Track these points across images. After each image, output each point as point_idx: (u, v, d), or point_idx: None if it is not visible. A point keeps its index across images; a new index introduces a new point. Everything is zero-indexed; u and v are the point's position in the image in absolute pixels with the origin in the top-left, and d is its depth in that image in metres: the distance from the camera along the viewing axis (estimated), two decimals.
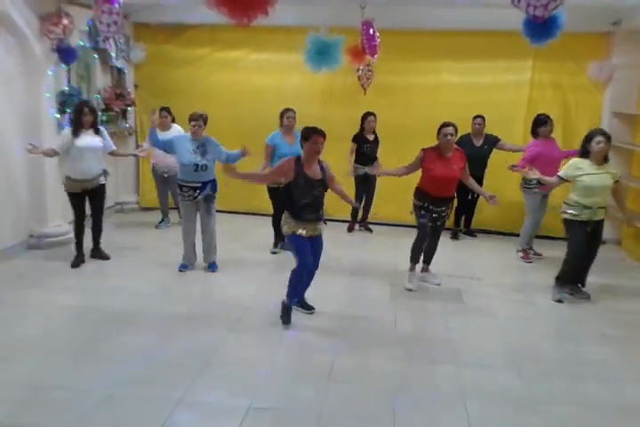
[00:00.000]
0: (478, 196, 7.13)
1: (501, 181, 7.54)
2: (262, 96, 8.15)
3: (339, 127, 7.26)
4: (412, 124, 7.80)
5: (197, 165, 5.71)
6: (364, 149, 7.55)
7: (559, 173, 5.46)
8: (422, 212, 5.59)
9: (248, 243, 7.09)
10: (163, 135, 7.52)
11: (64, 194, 6.14)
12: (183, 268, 6.02)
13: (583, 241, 5.35)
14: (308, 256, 4.69)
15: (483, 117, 7.37)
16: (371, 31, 6.15)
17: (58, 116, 6.67)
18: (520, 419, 3.53)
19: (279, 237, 6.65)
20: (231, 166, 4.97)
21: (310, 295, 5.11)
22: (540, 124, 6.67)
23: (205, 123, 5.83)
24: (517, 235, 7.18)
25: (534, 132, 6.74)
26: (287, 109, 6.61)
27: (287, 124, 6.56)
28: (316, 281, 4.97)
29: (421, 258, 5.90)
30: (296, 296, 4.90)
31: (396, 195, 7.73)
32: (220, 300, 5.30)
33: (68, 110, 6.79)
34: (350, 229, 7.96)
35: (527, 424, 3.49)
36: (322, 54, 5.84)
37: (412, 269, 5.81)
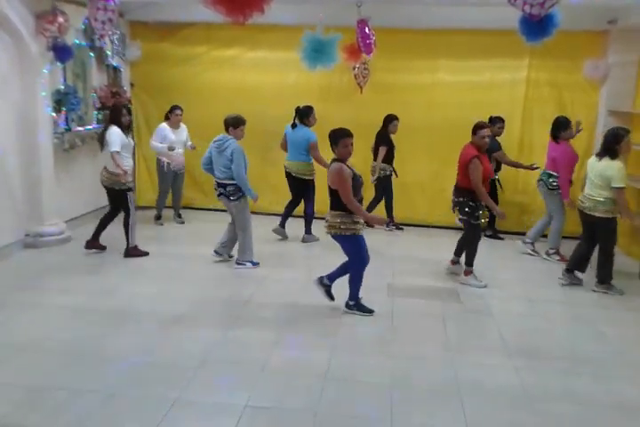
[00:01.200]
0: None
1: (503, 181, 7.57)
2: (259, 94, 8.16)
3: (335, 125, 7.21)
4: (408, 122, 7.80)
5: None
6: (394, 151, 7.63)
7: (621, 186, 5.35)
8: (479, 212, 5.62)
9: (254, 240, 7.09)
10: (176, 133, 7.62)
11: (60, 193, 6.15)
12: (256, 264, 6.15)
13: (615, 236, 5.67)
14: (367, 253, 4.86)
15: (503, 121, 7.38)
16: (366, 30, 6.15)
17: (53, 114, 6.65)
18: (517, 417, 3.54)
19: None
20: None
21: (306, 293, 5.12)
22: (564, 127, 6.57)
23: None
24: (516, 233, 7.19)
25: (556, 135, 6.62)
26: (310, 107, 6.97)
27: (313, 122, 6.96)
28: (311, 278, 4.99)
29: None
30: (358, 292, 4.98)
31: (397, 195, 7.77)
32: (219, 298, 5.30)
33: (64, 109, 6.79)
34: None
35: (524, 422, 3.49)
36: (318, 52, 5.86)
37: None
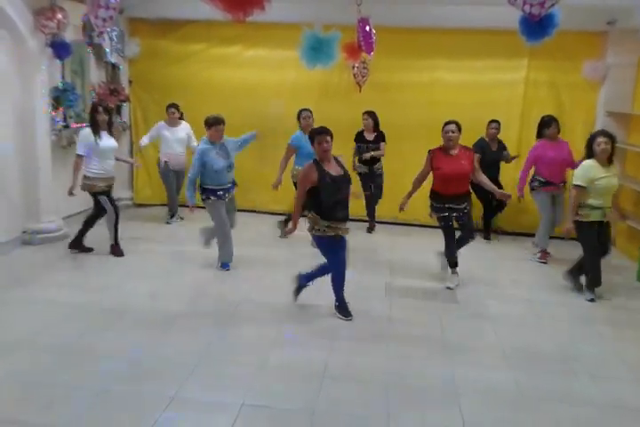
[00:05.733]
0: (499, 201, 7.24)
1: (505, 182, 7.57)
2: (258, 92, 8.15)
3: (334, 124, 7.13)
4: (407, 121, 7.81)
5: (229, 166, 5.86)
6: (360, 149, 7.57)
7: (577, 183, 5.32)
8: (444, 213, 5.58)
9: (245, 240, 7.07)
10: (172, 132, 7.59)
11: (57, 190, 6.11)
12: (227, 266, 6.03)
13: (596, 242, 5.40)
14: (341, 257, 4.81)
15: (499, 122, 7.39)
16: (367, 28, 6.13)
17: (51, 111, 6.63)
18: (515, 418, 3.54)
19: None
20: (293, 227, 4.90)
21: (304, 293, 5.12)
22: (544, 126, 6.63)
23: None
24: (523, 234, 7.19)
25: (539, 134, 6.69)
26: (303, 110, 6.78)
27: (305, 124, 6.69)
28: (318, 283, 5.02)
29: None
30: (338, 294, 4.94)
31: (396, 194, 7.73)
32: (215, 297, 5.29)
33: (62, 105, 6.76)
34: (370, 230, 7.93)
35: (522, 423, 3.49)
36: (316, 50, 5.83)
37: (454, 271, 5.82)
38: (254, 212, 8.40)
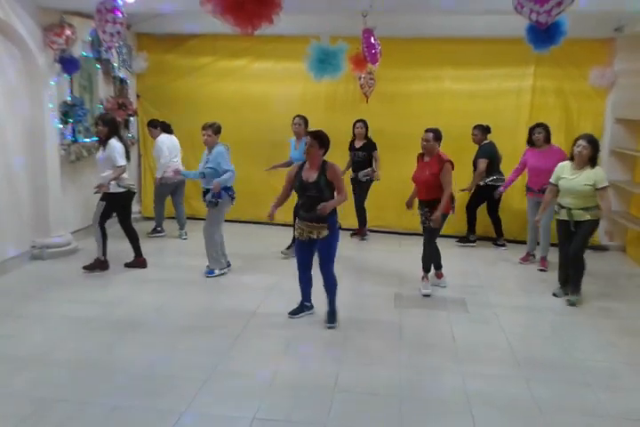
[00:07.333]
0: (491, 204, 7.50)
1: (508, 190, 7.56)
2: (265, 105, 8.18)
3: (341, 135, 7.27)
4: (413, 131, 7.69)
5: (202, 173, 5.95)
6: (353, 156, 7.68)
7: (550, 180, 5.66)
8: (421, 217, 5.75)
9: (254, 251, 7.07)
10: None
11: (67, 204, 6.13)
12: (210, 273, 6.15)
13: (562, 240, 5.64)
14: (297, 260, 5.01)
15: (479, 127, 7.39)
16: (372, 39, 6.15)
17: (60, 126, 6.68)
18: None
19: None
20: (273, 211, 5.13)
21: (315, 304, 5.09)
22: (529, 131, 6.74)
23: (216, 132, 5.98)
24: (522, 242, 7.16)
25: (529, 140, 6.76)
26: (295, 116, 6.84)
27: (294, 131, 6.81)
28: (319, 288, 4.97)
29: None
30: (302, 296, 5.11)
31: (395, 202, 7.72)
32: (224, 309, 5.26)
33: (71, 120, 6.81)
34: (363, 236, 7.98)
35: None
36: (324, 62, 5.86)
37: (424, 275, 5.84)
38: (262, 224, 8.37)
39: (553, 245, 6.43)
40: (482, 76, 7.88)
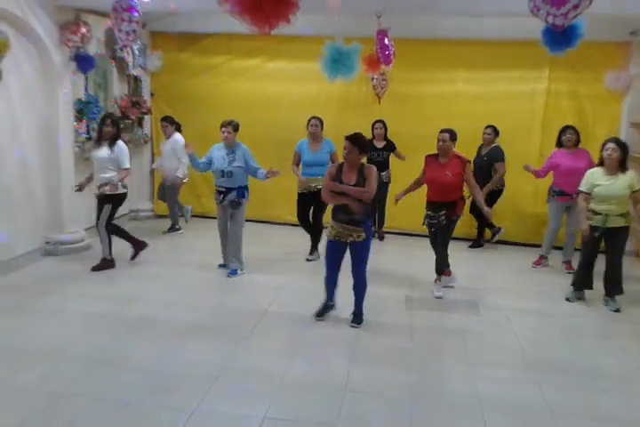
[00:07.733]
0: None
1: (519, 191, 7.51)
2: (278, 105, 8.19)
3: None
4: (426, 133, 7.68)
5: (223, 172, 5.87)
6: (372, 156, 7.56)
7: (579, 189, 5.56)
8: (427, 220, 5.69)
9: (266, 251, 7.08)
10: (164, 144, 7.68)
11: (80, 200, 6.18)
12: (221, 267, 6.24)
13: (589, 246, 5.55)
14: (328, 260, 4.92)
15: (492, 127, 7.36)
16: (385, 40, 6.14)
17: (75, 123, 6.72)
18: None
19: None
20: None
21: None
22: (560, 133, 6.64)
23: (235, 130, 5.96)
24: (533, 245, 7.13)
25: (559, 143, 6.67)
26: (312, 117, 6.75)
27: (311, 132, 6.71)
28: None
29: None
30: (326, 293, 5.06)
31: (409, 204, 7.69)
32: (236, 308, 5.28)
33: (85, 118, 6.85)
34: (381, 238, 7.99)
35: None
36: (337, 63, 5.87)
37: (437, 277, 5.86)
38: (273, 223, 8.42)
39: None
40: (495, 79, 7.84)
